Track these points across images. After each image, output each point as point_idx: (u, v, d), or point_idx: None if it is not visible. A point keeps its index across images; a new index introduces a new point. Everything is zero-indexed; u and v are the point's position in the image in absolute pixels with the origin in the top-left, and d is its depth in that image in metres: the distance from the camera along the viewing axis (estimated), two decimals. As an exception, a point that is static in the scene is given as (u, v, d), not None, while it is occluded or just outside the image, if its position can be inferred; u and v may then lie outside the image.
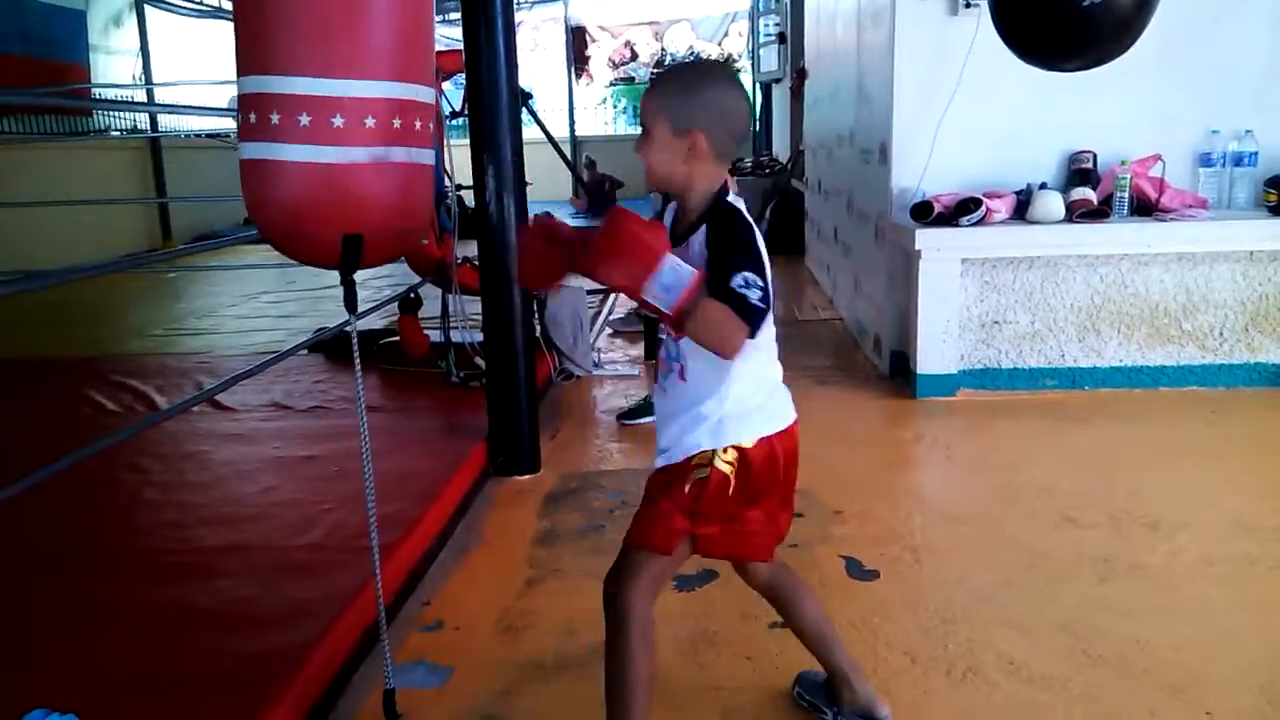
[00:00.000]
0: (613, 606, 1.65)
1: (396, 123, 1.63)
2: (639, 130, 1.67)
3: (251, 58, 1.60)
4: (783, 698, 1.97)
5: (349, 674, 2.08)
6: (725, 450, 1.62)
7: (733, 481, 1.62)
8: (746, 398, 1.63)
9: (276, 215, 1.63)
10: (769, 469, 1.65)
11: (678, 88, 1.64)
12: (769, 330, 1.63)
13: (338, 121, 1.56)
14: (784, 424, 1.68)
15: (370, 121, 1.59)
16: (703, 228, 1.60)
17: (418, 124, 1.69)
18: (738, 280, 1.49)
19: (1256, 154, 3.86)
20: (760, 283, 1.51)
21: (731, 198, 1.65)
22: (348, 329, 1.80)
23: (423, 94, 1.70)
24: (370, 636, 2.15)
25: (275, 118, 1.56)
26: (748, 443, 1.63)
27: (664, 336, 1.72)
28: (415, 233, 1.81)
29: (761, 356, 1.65)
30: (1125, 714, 1.88)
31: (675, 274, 1.44)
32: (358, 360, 1.83)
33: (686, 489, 1.62)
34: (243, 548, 2.55)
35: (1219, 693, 1.94)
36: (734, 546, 1.72)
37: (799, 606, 1.86)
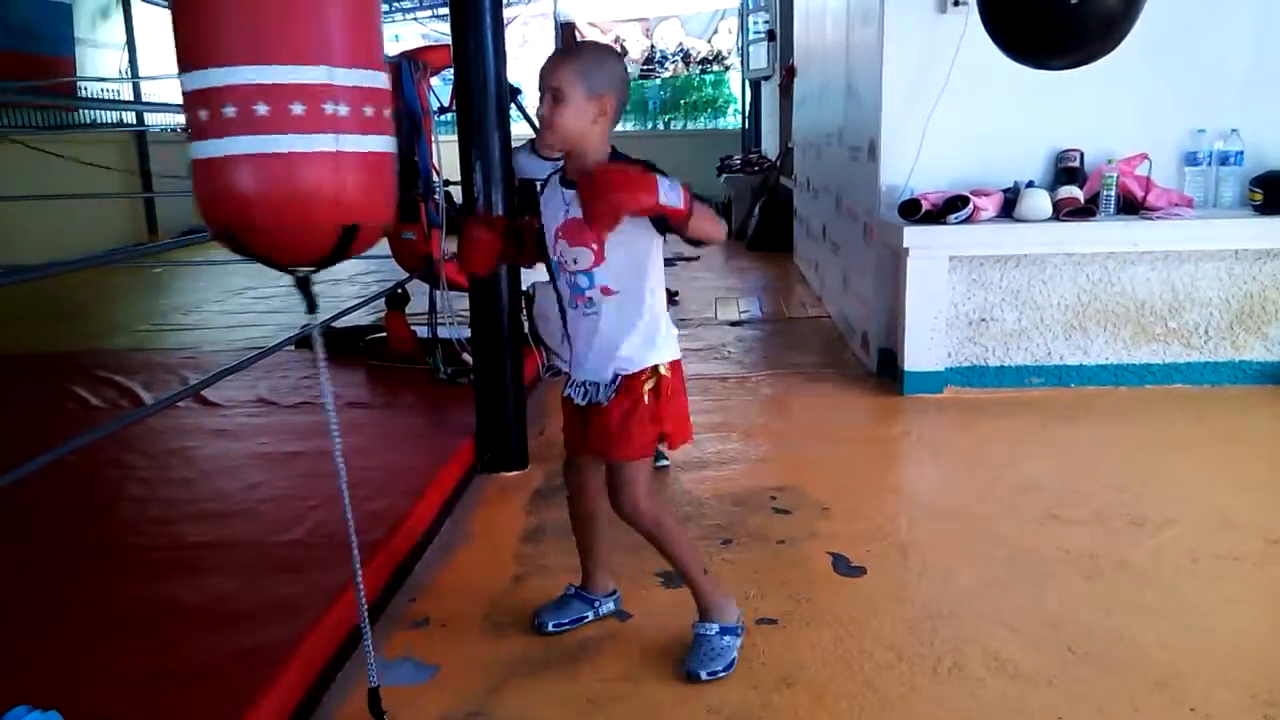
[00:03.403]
0: (639, 516, 2.01)
1: (368, 111, 1.59)
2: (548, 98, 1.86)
3: (210, 49, 1.52)
4: (769, 694, 1.97)
5: (334, 671, 2.07)
6: (664, 366, 1.98)
7: (673, 383, 2.00)
8: (663, 322, 1.99)
9: (261, 209, 1.58)
10: (681, 375, 2.04)
11: (591, 58, 1.89)
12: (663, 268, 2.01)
13: (341, 110, 1.52)
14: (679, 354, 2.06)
15: (368, 111, 1.57)
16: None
17: (386, 112, 1.66)
18: (665, 183, 1.73)
19: (1242, 153, 3.88)
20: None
21: None
22: (317, 327, 1.73)
23: (379, 79, 1.65)
24: (356, 633, 2.13)
25: (263, 109, 1.50)
26: (676, 355, 2.02)
27: (581, 286, 1.97)
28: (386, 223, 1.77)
29: (661, 289, 2.00)
30: (1110, 710, 1.89)
31: (668, 182, 1.72)
32: (323, 361, 1.77)
33: (646, 400, 1.96)
34: (228, 544, 2.54)
35: (1203, 688, 1.95)
36: (683, 433, 2.05)
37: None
